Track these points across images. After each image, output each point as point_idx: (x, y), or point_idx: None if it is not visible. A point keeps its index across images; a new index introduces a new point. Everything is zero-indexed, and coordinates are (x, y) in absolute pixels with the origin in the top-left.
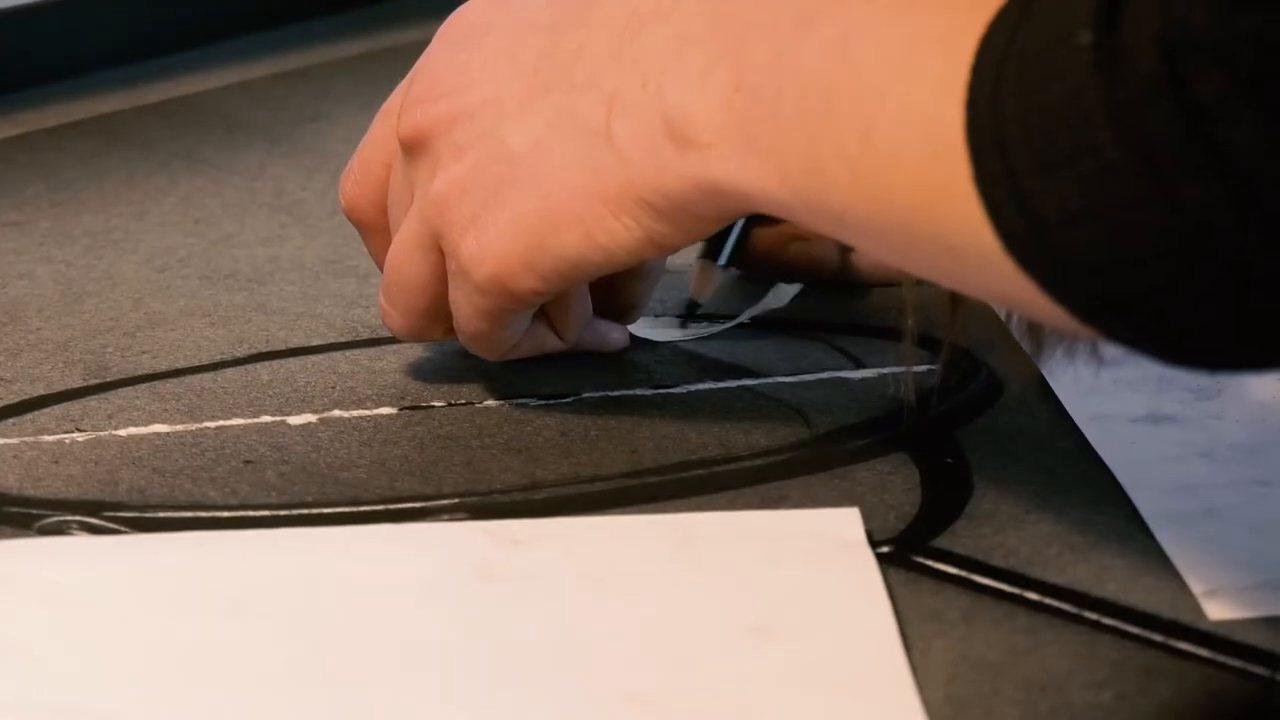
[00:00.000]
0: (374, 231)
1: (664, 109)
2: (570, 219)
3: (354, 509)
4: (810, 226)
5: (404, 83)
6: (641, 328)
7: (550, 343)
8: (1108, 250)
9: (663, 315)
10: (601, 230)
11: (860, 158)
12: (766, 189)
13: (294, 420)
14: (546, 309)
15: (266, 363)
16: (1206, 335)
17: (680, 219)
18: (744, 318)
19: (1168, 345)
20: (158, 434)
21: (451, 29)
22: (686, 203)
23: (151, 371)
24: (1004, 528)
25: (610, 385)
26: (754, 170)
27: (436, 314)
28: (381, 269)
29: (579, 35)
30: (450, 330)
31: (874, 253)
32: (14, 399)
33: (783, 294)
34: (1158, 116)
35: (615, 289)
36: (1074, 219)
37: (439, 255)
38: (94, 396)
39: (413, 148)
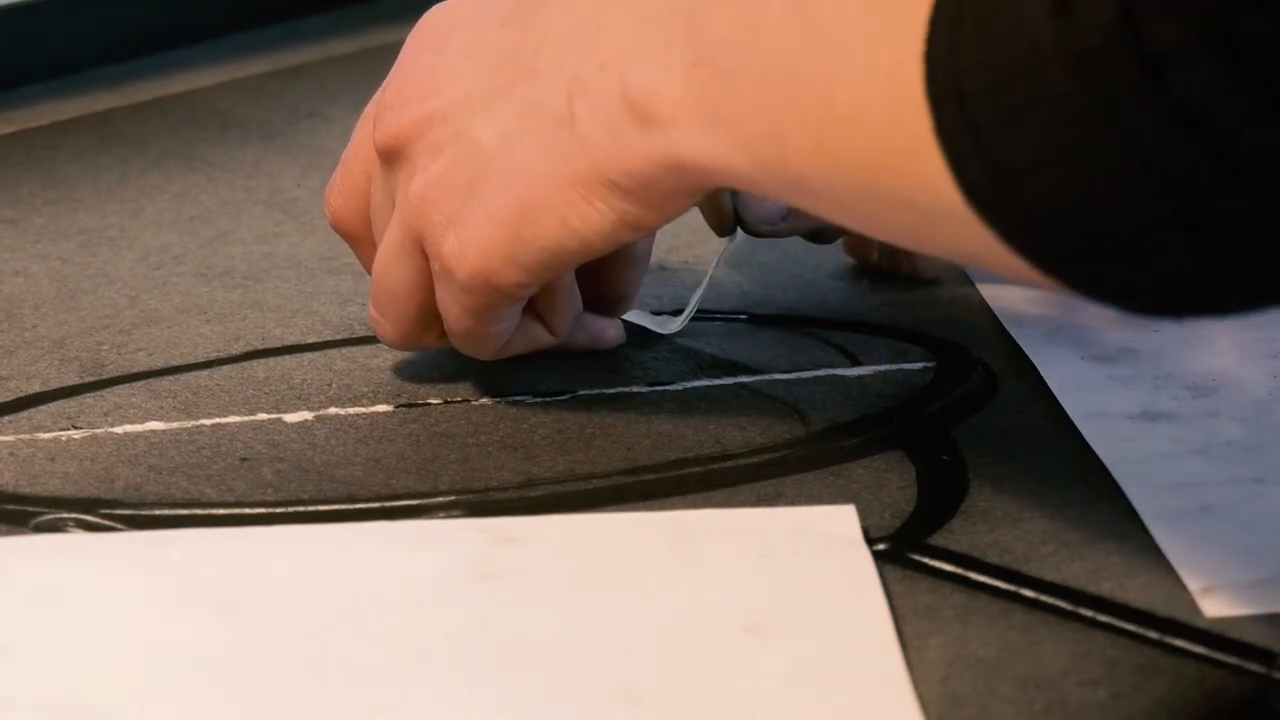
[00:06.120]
0: (362, 242)
1: (624, 89)
2: (543, 207)
3: (350, 506)
4: (775, 197)
5: (379, 91)
6: (637, 316)
7: (542, 337)
8: (1068, 199)
9: (661, 312)
10: (574, 215)
11: (821, 121)
12: (730, 162)
13: (290, 418)
14: (535, 303)
15: (262, 360)
16: (1167, 282)
17: (649, 198)
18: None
19: (1129, 295)
20: (154, 431)
21: (419, 35)
22: (652, 181)
23: (147, 369)
24: (1000, 525)
25: (606, 382)
26: (717, 144)
27: (427, 320)
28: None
29: (538, 24)
30: (442, 336)
31: (837, 218)
32: (10, 396)
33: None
34: (1113, 61)
35: (603, 280)
36: (1034, 168)
37: (423, 258)
38: (90, 394)
39: (389, 155)
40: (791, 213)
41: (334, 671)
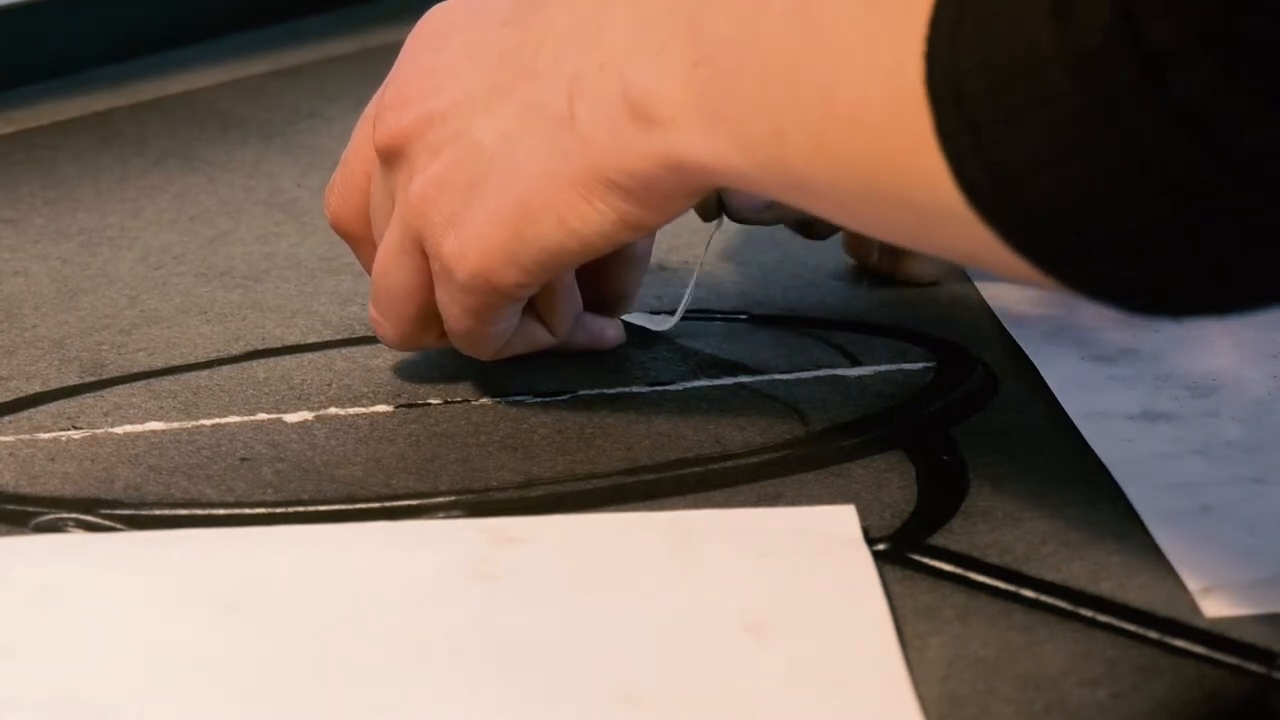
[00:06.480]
0: (362, 242)
1: (624, 89)
2: (543, 207)
3: (350, 507)
4: (775, 196)
5: (379, 91)
6: (636, 317)
7: (542, 338)
8: (1068, 199)
9: (659, 311)
10: (574, 215)
11: (821, 120)
12: (730, 162)
13: (290, 418)
14: (535, 303)
15: (262, 360)
16: (1167, 282)
17: (649, 198)
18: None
19: (1129, 295)
20: (154, 431)
21: (419, 35)
22: (653, 181)
23: (147, 369)
24: (1000, 525)
25: (606, 382)
26: (717, 144)
27: (427, 320)
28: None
29: (539, 25)
30: (442, 337)
31: (838, 218)
32: (10, 396)
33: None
34: (1113, 61)
35: (603, 280)
36: (1034, 168)
37: (423, 259)
38: (90, 394)
39: (389, 155)
40: (776, 200)
41: (334, 671)
